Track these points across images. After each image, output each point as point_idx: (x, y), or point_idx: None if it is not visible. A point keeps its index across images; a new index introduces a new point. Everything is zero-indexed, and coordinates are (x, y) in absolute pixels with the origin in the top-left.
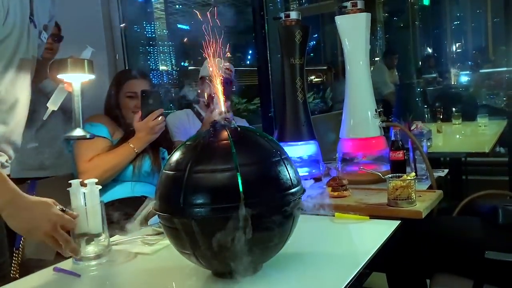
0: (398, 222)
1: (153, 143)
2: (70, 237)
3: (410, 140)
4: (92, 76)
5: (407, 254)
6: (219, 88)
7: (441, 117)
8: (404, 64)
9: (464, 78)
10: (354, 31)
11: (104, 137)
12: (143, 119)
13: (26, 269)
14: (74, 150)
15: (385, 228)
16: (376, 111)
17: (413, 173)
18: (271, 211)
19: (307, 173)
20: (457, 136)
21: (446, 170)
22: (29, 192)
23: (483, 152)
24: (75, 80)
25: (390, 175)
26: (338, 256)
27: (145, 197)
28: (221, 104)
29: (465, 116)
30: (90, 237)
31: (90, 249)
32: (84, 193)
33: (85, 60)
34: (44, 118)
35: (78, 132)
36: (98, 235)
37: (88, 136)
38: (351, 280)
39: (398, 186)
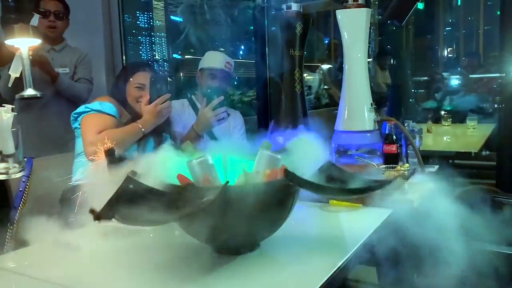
0: (390, 210)
1: (158, 128)
2: None
3: (403, 135)
4: (38, 41)
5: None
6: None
7: (431, 117)
8: (396, 66)
9: (454, 82)
10: (354, 25)
11: (113, 116)
12: (151, 103)
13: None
14: (82, 125)
15: (377, 216)
16: (372, 105)
17: (407, 165)
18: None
19: None
20: (447, 136)
21: (437, 166)
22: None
23: (471, 153)
24: (23, 44)
25: (385, 165)
26: (330, 240)
27: None
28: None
29: (455, 118)
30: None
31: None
32: None
33: (30, 26)
34: (9, 85)
35: (29, 91)
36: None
37: (38, 95)
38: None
39: (392, 176)
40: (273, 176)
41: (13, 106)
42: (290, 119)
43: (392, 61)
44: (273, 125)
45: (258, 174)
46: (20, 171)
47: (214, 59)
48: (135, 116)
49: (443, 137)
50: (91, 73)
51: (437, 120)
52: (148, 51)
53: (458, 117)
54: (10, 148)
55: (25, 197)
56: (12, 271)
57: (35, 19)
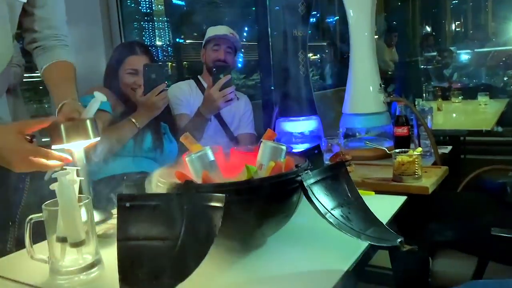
0: (404, 197)
1: (155, 118)
2: (49, 150)
3: (414, 116)
4: (98, 139)
5: (410, 231)
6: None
7: (441, 95)
8: (403, 43)
9: (463, 57)
10: (360, 2)
11: (105, 111)
12: (145, 94)
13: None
14: None
15: (391, 204)
16: (380, 86)
17: (420, 148)
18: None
19: None
20: (458, 114)
21: (450, 147)
22: None
23: (484, 130)
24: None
25: (396, 150)
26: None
27: (146, 173)
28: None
29: (466, 94)
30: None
31: (70, 261)
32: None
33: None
34: None
35: None
36: (79, 243)
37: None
38: (359, 256)
39: (404, 162)
40: (278, 169)
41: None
42: (295, 103)
43: (398, 38)
44: (278, 109)
45: (263, 167)
46: None
47: (217, 29)
48: (130, 107)
49: (453, 115)
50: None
51: (447, 97)
52: (151, 37)
53: (469, 93)
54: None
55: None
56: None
57: (96, 104)
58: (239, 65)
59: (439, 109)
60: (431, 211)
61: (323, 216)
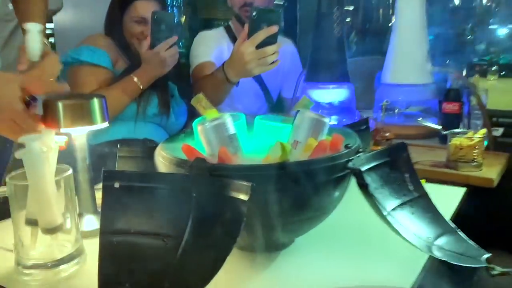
0: (463, 189)
1: (162, 77)
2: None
3: (466, 91)
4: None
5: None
6: None
7: (478, 71)
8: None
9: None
10: None
11: (105, 67)
12: (152, 48)
13: None
14: (68, 80)
15: (448, 197)
16: (428, 53)
17: (483, 130)
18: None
19: (336, 123)
20: (498, 92)
21: (501, 129)
22: None
23: None
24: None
25: (455, 130)
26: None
27: (149, 140)
28: None
29: (505, 71)
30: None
31: (42, 251)
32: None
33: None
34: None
35: None
36: (53, 229)
37: None
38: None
39: (463, 145)
40: (321, 150)
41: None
42: (325, 67)
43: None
44: (304, 75)
45: (299, 146)
46: None
47: None
48: (135, 63)
49: (493, 93)
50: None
51: (483, 74)
52: None
53: (509, 70)
54: None
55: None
56: None
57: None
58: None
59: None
60: (488, 206)
61: (383, 217)
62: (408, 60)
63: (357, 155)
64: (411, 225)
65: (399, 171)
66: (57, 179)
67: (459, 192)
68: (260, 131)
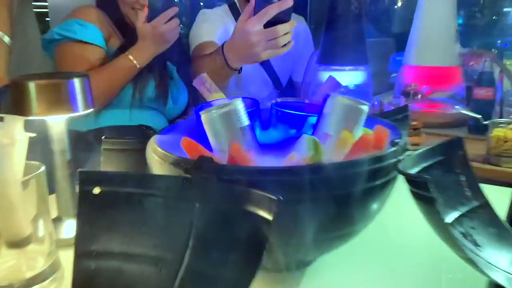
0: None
1: (160, 56)
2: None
3: (499, 75)
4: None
5: None
6: None
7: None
8: None
9: None
10: None
11: (97, 45)
12: (150, 20)
13: None
14: (55, 60)
15: (495, 199)
16: (457, 33)
17: None
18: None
19: None
20: None
21: None
22: None
23: None
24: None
25: (500, 120)
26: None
27: (145, 127)
28: None
29: None
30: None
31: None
32: None
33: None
34: None
35: None
36: (20, 242)
37: None
38: None
39: (508, 138)
40: (363, 147)
41: None
42: (341, 48)
43: None
44: (318, 55)
45: (329, 140)
46: None
47: None
48: (131, 39)
49: None
50: None
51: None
52: None
53: None
54: None
55: None
56: None
57: None
58: None
59: None
60: None
61: (445, 231)
62: (434, 40)
63: (407, 154)
64: (472, 243)
65: (453, 173)
66: (25, 179)
67: (505, 193)
68: (277, 121)
